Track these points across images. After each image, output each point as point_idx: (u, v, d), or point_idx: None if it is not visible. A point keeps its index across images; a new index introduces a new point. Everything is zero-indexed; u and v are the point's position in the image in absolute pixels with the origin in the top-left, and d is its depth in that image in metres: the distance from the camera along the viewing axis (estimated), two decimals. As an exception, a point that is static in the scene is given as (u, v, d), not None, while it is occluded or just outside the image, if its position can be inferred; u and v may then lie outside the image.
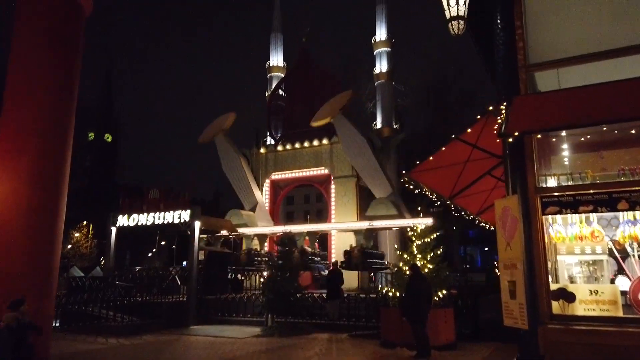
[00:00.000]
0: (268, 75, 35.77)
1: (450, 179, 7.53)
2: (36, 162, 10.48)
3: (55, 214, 10.92)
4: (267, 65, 35.90)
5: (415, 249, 13.51)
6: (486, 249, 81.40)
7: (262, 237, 27.43)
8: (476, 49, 8.94)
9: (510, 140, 5.92)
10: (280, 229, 25.44)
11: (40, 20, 11.67)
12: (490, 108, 6.34)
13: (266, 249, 26.76)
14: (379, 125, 33.41)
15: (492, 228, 14.24)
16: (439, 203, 8.36)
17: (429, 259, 13.42)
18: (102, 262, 42.16)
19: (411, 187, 7.14)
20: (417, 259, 13.37)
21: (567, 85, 6.69)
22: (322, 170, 28.51)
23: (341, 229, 25.70)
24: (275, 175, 30.05)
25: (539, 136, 6.26)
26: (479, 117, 6.36)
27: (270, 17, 36.77)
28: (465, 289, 16.29)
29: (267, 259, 23.90)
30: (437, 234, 13.94)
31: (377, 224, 23.78)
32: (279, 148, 30.08)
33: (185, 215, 18.93)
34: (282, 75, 34.79)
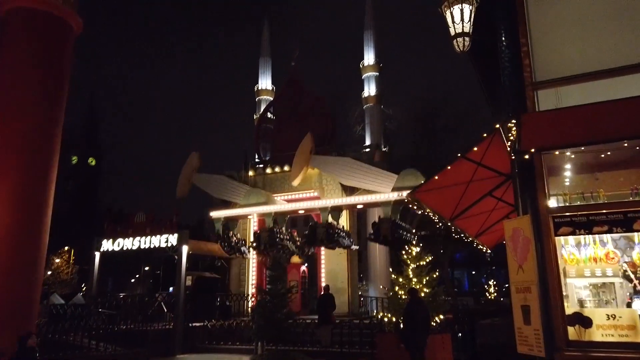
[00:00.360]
0: (257, 99, 35.72)
1: (452, 199, 7.30)
2: (18, 186, 9.99)
3: (38, 240, 10.38)
4: (255, 89, 35.87)
5: (410, 273, 13.22)
6: (473, 272, 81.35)
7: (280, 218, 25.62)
8: (474, 67, 8.84)
9: (526, 157, 5.72)
10: (298, 206, 24.53)
11: (28, 39, 11.34)
12: (497, 126, 6.16)
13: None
14: (367, 149, 33.37)
15: (489, 251, 14.01)
16: (440, 225, 8.10)
17: (424, 282, 13.13)
18: (84, 289, 40.95)
19: (415, 207, 6.87)
20: (413, 282, 13.06)
21: (568, 103, 6.57)
22: (312, 194, 28.15)
23: (367, 202, 23.40)
24: (264, 199, 29.60)
25: (550, 154, 6.08)
26: (485, 135, 6.18)
27: (258, 42, 36.92)
28: (460, 313, 15.97)
29: (288, 237, 22.91)
30: (432, 257, 13.69)
31: (407, 194, 22.09)
32: (268, 171, 29.73)
33: (173, 239, 18.42)
34: (271, 98, 34.74)
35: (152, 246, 18.53)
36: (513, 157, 6.02)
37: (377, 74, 34.03)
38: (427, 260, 13.31)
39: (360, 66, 33.84)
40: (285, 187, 28.94)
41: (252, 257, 28.48)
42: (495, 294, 35.04)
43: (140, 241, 18.80)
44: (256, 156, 31.87)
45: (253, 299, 26.94)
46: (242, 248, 24.25)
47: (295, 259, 27.07)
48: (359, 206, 24.09)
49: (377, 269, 29.87)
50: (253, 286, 27.96)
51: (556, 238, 6.33)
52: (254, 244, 22.99)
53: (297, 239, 24.38)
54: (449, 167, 6.10)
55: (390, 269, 22.88)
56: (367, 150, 31.46)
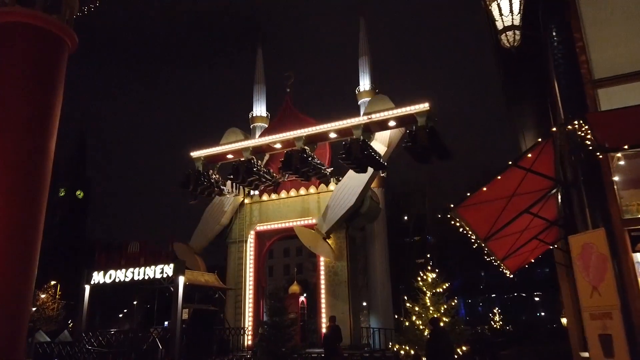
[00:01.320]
0: (251, 126, 35.16)
1: (489, 216, 6.64)
2: (6, 208, 9.18)
3: (27, 271, 9.49)
4: (250, 116, 35.37)
5: (427, 300, 12.43)
6: (469, 300, 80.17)
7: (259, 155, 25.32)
8: (499, 69, 8.27)
9: (616, 154, 5.10)
10: (275, 138, 24.08)
11: (22, 54, 10.71)
12: (554, 129, 5.56)
13: None
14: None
15: (512, 275, 13.26)
16: (475, 245, 7.41)
17: (442, 311, 12.34)
18: (71, 325, 39.21)
19: (455, 223, 6.18)
20: (430, 311, 12.27)
21: (616, 103, 6.00)
22: (309, 221, 27.40)
23: (340, 127, 22.78)
24: (260, 227, 28.76)
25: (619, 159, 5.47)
26: (540, 140, 5.56)
27: (252, 69, 36.65)
28: (477, 344, 15.11)
29: (265, 170, 22.93)
30: (448, 284, 12.94)
31: (376, 116, 21.87)
32: (264, 198, 29.00)
33: (168, 269, 17.45)
34: (266, 125, 34.24)
35: (146, 277, 17.52)
36: (574, 161, 5.41)
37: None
38: (444, 287, 12.54)
39: (356, 92, 33.55)
40: (282, 215, 28.21)
41: (249, 287, 27.45)
42: (501, 323, 33.94)
43: (133, 272, 17.76)
44: (252, 183, 31.17)
45: (250, 333, 25.83)
46: (222, 187, 23.59)
47: (294, 289, 26.09)
48: (333, 135, 23.33)
49: (379, 299, 28.83)
50: (250, 318, 26.86)
51: (633, 254, 5.60)
52: (232, 176, 22.74)
53: (274, 173, 24.06)
54: (499, 177, 5.44)
55: (405, 297, 22.01)
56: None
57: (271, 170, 24.53)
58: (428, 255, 14.96)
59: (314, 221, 26.98)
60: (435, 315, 11.70)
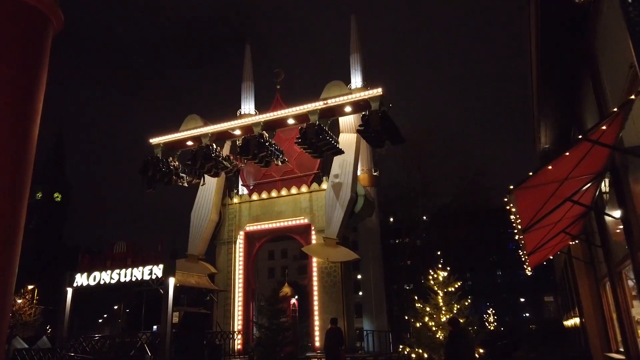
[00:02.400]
0: (239, 124, 34.28)
1: (536, 203, 5.98)
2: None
3: (5, 279, 8.48)
4: (238, 114, 34.40)
5: (440, 300, 11.74)
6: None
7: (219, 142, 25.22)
8: (536, 41, 7.58)
9: None
10: (233, 124, 24.60)
11: (1, 30, 9.69)
12: (632, 97, 4.85)
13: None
14: (358, 172, 32.23)
15: (530, 273, 12.64)
16: (517, 237, 6.72)
17: (455, 311, 11.65)
18: (49, 331, 37.64)
19: (510, 207, 5.50)
20: (443, 312, 11.57)
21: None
22: (302, 220, 26.58)
23: (297, 113, 23.46)
24: (250, 227, 27.82)
25: None
26: (615, 110, 4.86)
27: (241, 65, 35.71)
28: (487, 346, 14.47)
29: (224, 157, 23.21)
30: (460, 282, 12.27)
31: (331, 101, 22.56)
32: (254, 197, 28.08)
33: (158, 270, 16.42)
34: (254, 123, 33.37)
35: (133, 279, 16.48)
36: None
37: (365, 97, 33.11)
38: (457, 285, 11.85)
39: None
40: (273, 214, 27.34)
41: (239, 289, 26.48)
42: (495, 324, 33.62)
43: (120, 274, 16.69)
44: (240, 182, 30.27)
45: (240, 337, 24.85)
46: (181, 174, 23.58)
47: (285, 291, 25.20)
48: (291, 121, 23.75)
49: (372, 300, 28.14)
50: (239, 321, 25.88)
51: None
52: (189, 162, 22.83)
53: (232, 160, 24.24)
54: (567, 154, 4.75)
55: (416, 297, 21.35)
56: (358, 174, 30.28)
57: (231, 157, 24.47)
58: (438, 253, 14.33)
59: (306, 221, 26.19)
60: (447, 316, 10.98)
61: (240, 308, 26.29)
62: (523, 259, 8.68)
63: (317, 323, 24.13)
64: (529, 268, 10.15)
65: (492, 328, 33.62)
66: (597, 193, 7.52)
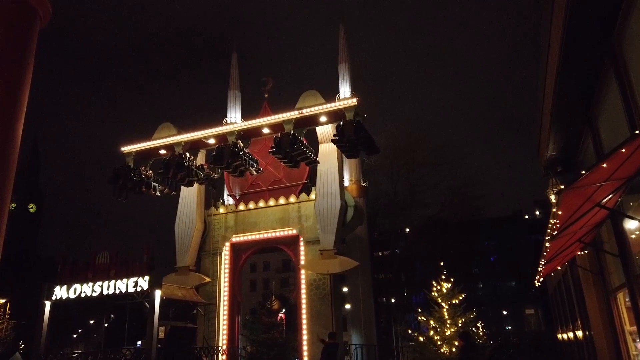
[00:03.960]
0: (225, 133, 33.61)
1: (572, 206, 5.60)
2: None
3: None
4: (224, 123, 33.77)
5: (445, 313, 11.29)
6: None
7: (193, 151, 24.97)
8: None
9: None
10: (206, 133, 24.35)
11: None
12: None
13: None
14: (346, 182, 31.84)
15: (539, 284, 12.28)
16: (548, 244, 6.32)
17: (460, 324, 11.22)
18: (22, 347, 35.98)
19: (555, 209, 5.10)
20: (447, 325, 11.13)
21: None
22: (290, 231, 25.97)
23: (271, 122, 23.53)
24: (236, 238, 27.07)
25: None
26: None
27: (227, 75, 35.13)
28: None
29: (197, 166, 22.99)
30: (464, 294, 11.86)
31: (306, 111, 22.76)
32: (241, 207, 27.39)
33: (143, 282, 15.62)
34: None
35: (117, 291, 15.62)
36: None
37: (354, 106, 32.86)
38: (461, 297, 11.44)
39: (336, 99, 32.69)
40: (260, 225, 26.66)
41: (224, 303, 25.63)
42: (485, 337, 33.34)
43: (102, 286, 15.80)
44: (226, 192, 29.57)
45: (225, 352, 23.96)
46: (153, 184, 23.46)
47: (274, 304, 24.48)
48: (266, 130, 23.88)
49: (361, 314, 27.54)
50: (224, 336, 24.98)
51: None
52: (162, 171, 22.75)
53: (206, 169, 24.07)
54: (623, 150, 4.36)
55: (419, 310, 20.74)
56: (347, 185, 29.88)
57: (205, 166, 24.30)
58: (442, 263, 13.90)
59: (294, 232, 25.60)
60: (452, 329, 10.53)
61: (226, 322, 25.41)
62: (539, 269, 8.30)
63: (305, 337, 23.43)
64: (540, 279, 9.79)
65: (481, 341, 33.36)
66: (620, 198, 7.20)
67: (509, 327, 75.18)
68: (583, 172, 4.68)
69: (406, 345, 29.02)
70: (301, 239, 25.29)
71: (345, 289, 32.67)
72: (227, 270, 26.61)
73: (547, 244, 6.25)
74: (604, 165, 4.49)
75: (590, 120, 8.64)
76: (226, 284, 26.33)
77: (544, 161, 10.94)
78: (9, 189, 8.82)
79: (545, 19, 7.51)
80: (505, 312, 74.66)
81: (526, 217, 78.60)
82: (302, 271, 24.65)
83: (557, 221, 5.32)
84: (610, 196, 6.51)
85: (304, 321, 23.92)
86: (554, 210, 5.10)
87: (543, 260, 7.51)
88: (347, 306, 30.44)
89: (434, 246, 33.54)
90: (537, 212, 76.43)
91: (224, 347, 23.74)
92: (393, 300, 36.30)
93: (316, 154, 23.91)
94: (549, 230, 5.57)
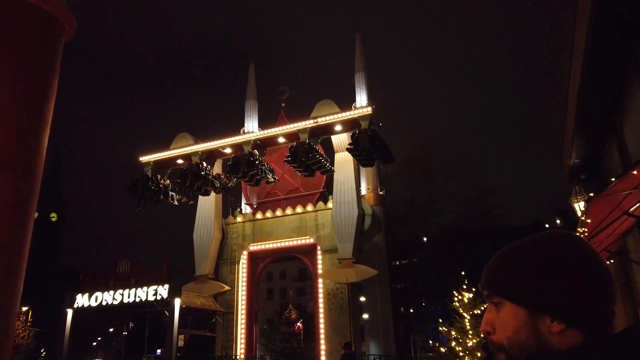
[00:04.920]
0: (242, 142, 33.85)
1: (600, 214, 5.49)
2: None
3: (11, 300, 7.87)
4: (241, 132, 34.05)
5: (467, 324, 11.12)
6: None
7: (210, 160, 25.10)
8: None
9: None
10: (224, 142, 24.60)
11: (13, 35, 9.25)
12: None
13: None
14: (363, 191, 31.76)
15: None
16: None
17: (483, 335, 11.01)
18: (44, 354, 36.41)
19: (583, 217, 5.02)
20: (470, 335, 10.95)
21: None
22: (307, 240, 25.94)
23: (287, 131, 23.68)
24: (254, 247, 27.12)
25: None
26: None
27: (244, 85, 35.45)
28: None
29: (215, 176, 23.08)
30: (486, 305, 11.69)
31: (321, 120, 22.82)
32: (258, 216, 27.47)
33: (163, 291, 15.73)
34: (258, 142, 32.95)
35: (137, 300, 15.77)
36: None
37: (370, 115, 32.87)
38: (483, 308, 11.22)
39: (352, 108, 32.76)
40: (278, 234, 26.70)
41: (242, 312, 25.66)
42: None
43: (123, 294, 15.98)
44: (244, 201, 29.72)
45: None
46: (171, 193, 23.70)
47: (293, 313, 24.40)
48: (281, 139, 23.90)
49: (380, 323, 27.29)
50: (242, 345, 24.97)
51: None
52: (179, 180, 22.95)
53: (223, 178, 24.21)
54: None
55: (440, 320, 20.56)
56: (364, 193, 29.83)
57: (221, 175, 24.42)
58: (462, 273, 13.70)
59: (311, 240, 25.58)
60: (473, 340, 10.34)
61: (244, 331, 25.41)
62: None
63: (323, 347, 23.29)
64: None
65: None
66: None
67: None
68: (613, 179, 4.60)
69: (425, 356, 28.58)
70: (318, 247, 25.25)
71: (362, 299, 32.48)
72: (244, 279, 26.64)
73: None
74: (635, 172, 4.40)
75: (616, 127, 8.50)
76: (244, 292, 26.35)
77: (567, 169, 10.77)
78: (35, 200, 8.98)
79: (568, 24, 7.43)
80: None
81: (546, 225, 77.19)
82: (320, 280, 24.57)
83: (586, 229, 5.22)
84: (638, 204, 6.37)
85: (322, 331, 23.79)
86: (583, 218, 5.00)
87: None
88: (365, 316, 30.22)
89: (452, 255, 33.16)
90: (558, 221, 74.94)
91: (242, 356, 23.70)
92: (411, 310, 35.94)
93: (332, 163, 23.95)
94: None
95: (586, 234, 5.29)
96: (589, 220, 5.02)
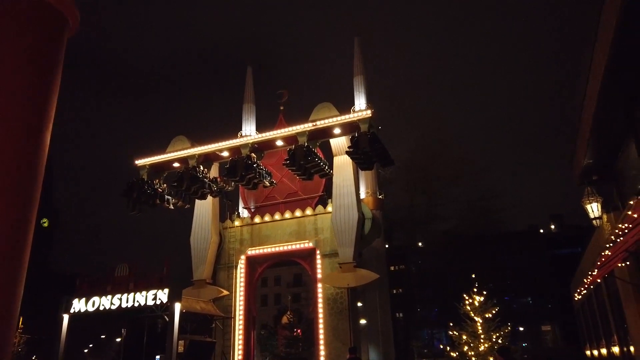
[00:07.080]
0: (239, 145, 33.54)
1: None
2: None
3: (10, 306, 7.55)
4: (239, 136, 33.77)
5: (479, 328, 10.88)
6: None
7: (207, 164, 24.71)
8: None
9: None
10: (220, 146, 24.21)
11: (16, 28, 8.94)
12: None
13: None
14: (362, 195, 31.54)
15: (580, 297, 11.83)
16: (606, 251, 5.99)
17: (494, 339, 10.81)
18: (35, 362, 35.82)
19: (630, 213, 4.82)
20: (481, 339, 10.72)
21: None
22: (306, 244, 25.64)
23: (285, 134, 23.39)
24: (252, 251, 26.79)
25: None
26: None
27: (242, 88, 35.19)
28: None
29: (211, 179, 22.85)
30: (497, 308, 11.46)
31: (320, 123, 22.57)
32: (256, 220, 27.15)
33: (163, 295, 15.35)
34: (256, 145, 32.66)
35: (136, 304, 15.37)
36: None
37: (370, 118, 32.71)
38: (494, 311, 11.05)
39: (351, 111, 32.59)
40: (276, 238, 26.38)
41: (239, 317, 25.29)
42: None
43: (121, 299, 15.59)
44: (241, 205, 29.39)
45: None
46: (167, 197, 23.33)
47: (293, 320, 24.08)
48: (279, 143, 23.62)
49: (379, 328, 27.00)
50: (240, 351, 24.58)
51: None
52: (175, 184, 22.68)
53: (219, 182, 23.88)
54: None
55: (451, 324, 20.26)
56: (363, 197, 29.59)
57: (218, 179, 24.15)
58: (473, 276, 13.46)
59: (310, 245, 25.30)
60: (486, 344, 10.11)
61: (241, 336, 25.08)
62: (585, 279, 7.91)
63: (322, 353, 22.97)
64: (583, 291, 9.39)
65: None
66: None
67: (525, 344, 73.67)
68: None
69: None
70: (318, 252, 24.97)
71: (359, 304, 32.19)
72: (242, 284, 26.31)
73: (607, 252, 5.92)
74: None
75: (635, 126, 8.34)
76: (242, 297, 26.02)
77: (580, 169, 10.62)
78: (37, 199, 8.65)
79: (592, 20, 7.27)
80: (521, 329, 73.22)
81: (541, 231, 77.30)
82: (319, 285, 24.26)
83: (629, 225, 5.01)
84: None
85: (322, 336, 23.49)
86: (629, 213, 4.80)
87: (594, 270, 7.15)
88: (362, 321, 29.93)
89: (450, 260, 33.00)
90: (553, 226, 75.04)
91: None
92: (409, 315, 35.69)
93: (331, 166, 23.70)
94: (612, 237, 5.26)
95: (632, 233, 5.08)
96: (635, 215, 4.82)
